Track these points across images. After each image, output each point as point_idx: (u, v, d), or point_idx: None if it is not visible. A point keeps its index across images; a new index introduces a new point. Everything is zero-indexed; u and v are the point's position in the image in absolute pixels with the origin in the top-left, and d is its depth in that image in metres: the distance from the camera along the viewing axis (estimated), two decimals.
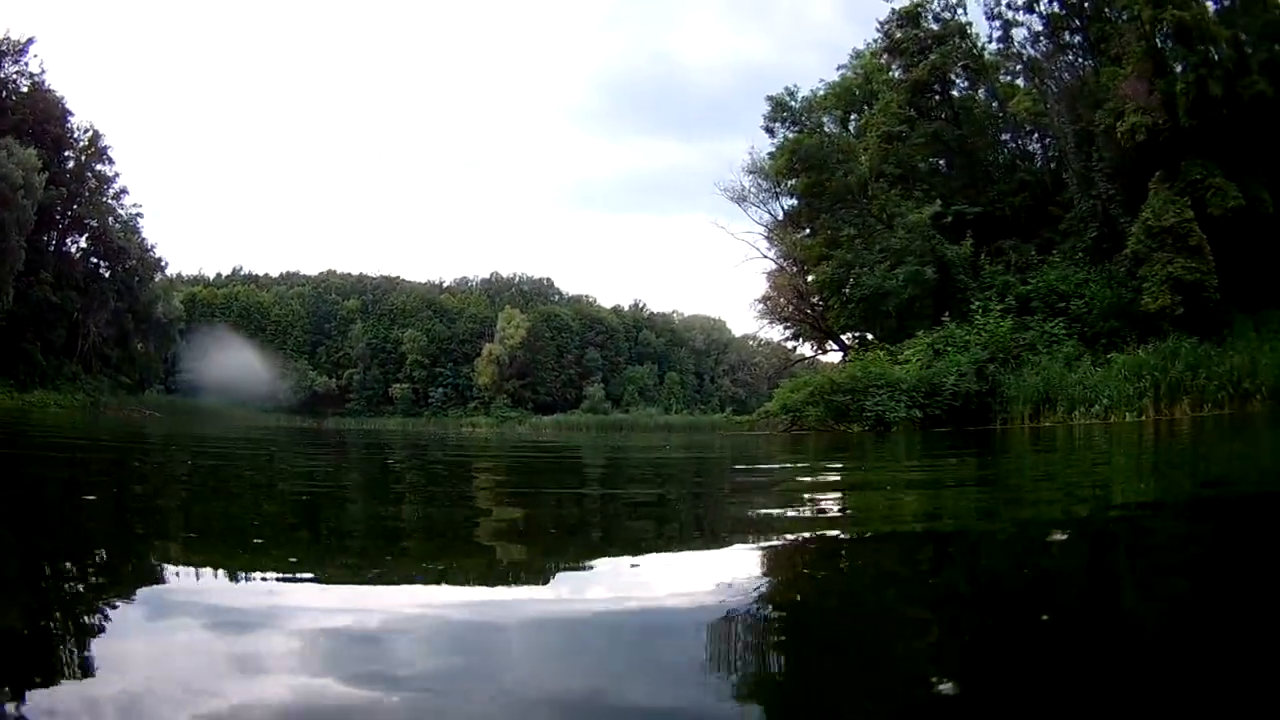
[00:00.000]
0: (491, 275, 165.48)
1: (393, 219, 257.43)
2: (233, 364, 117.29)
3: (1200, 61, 41.89)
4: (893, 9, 56.21)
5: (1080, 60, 53.00)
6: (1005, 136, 59.73)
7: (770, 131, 57.99)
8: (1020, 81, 56.81)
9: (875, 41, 60.02)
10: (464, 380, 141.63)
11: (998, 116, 58.05)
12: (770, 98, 57.47)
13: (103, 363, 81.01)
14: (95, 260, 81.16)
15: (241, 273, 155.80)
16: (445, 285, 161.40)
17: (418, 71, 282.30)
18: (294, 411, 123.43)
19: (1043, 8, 52.65)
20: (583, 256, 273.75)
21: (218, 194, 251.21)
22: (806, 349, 64.34)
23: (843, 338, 56.78)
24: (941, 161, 58.73)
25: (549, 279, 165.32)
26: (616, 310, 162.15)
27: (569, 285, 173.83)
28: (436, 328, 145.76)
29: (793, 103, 57.47)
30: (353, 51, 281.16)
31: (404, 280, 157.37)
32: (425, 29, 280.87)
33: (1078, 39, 53.16)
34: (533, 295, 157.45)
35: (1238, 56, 43.99)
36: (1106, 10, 50.76)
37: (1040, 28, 53.19)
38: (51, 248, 76.83)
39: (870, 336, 52.58)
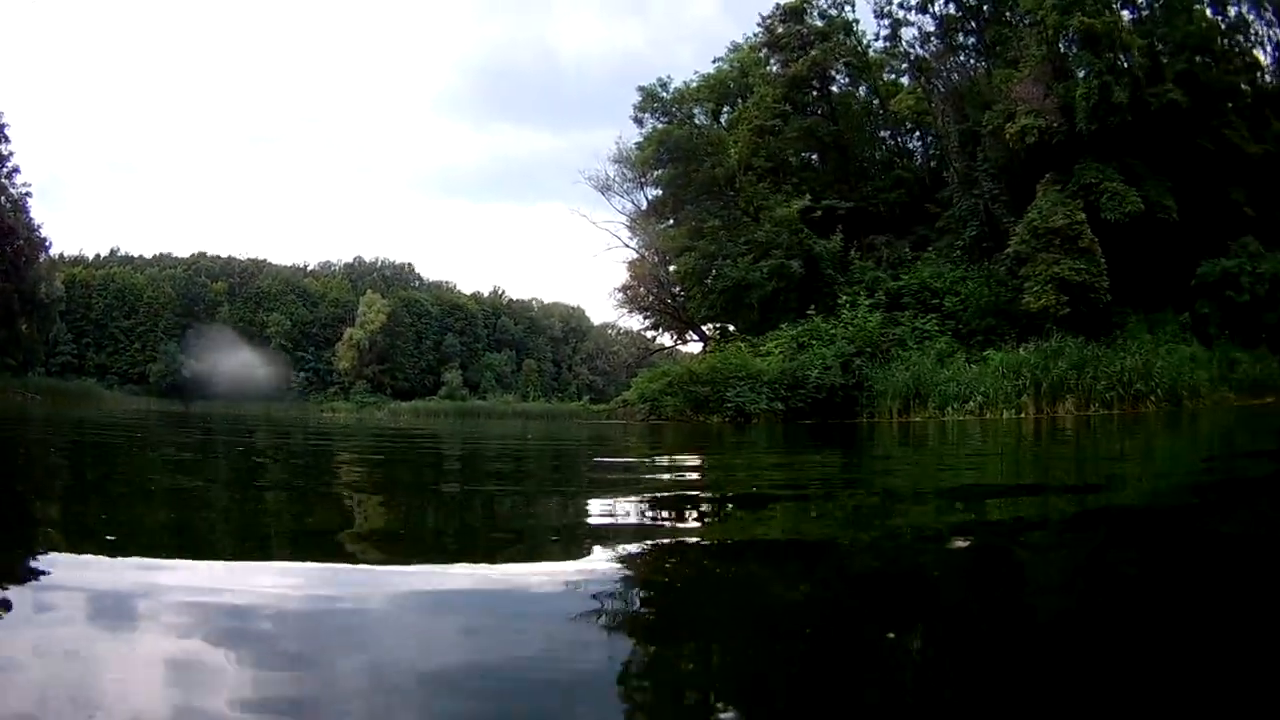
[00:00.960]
0: (354, 259, 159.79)
1: (261, 200, 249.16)
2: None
3: (1107, 68, 41.17)
4: (777, 4, 55.20)
5: (972, 62, 52.70)
6: (884, 134, 59.56)
7: (639, 122, 56.66)
8: (905, 80, 56.39)
9: (755, 35, 58.94)
10: (325, 365, 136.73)
11: (878, 114, 57.72)
12: (642, 88, 56.25)
13: None
14: None
15: (119, 254, 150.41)
16: (309, 269, 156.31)
17: (287, 53, 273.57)
18: (163, 395, 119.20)
19: (937, 8, 51.92)
20: (445, 242, 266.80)
21: (96, 173, 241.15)
22: (666, 339, 63.03)
23: (703, 328, 55.72)
24: (814, 156, 57.94)
25: (410, 264, 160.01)
26: (476, 297, 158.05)
27: (430, 271, 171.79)
28: (299, 311, 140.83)
29: (664, 94, 56.23)
30: (223, 31, 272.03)
31: (270, 263, 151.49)
32: (294, 10, 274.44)
33: (971, 40, 52.80)
34: (394, 280, 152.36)
35: (1151, 65, 43.61)
36: (1008, 14, 50.47)
37: (932, 28, 52.48)
38: None
39: (731, 328, 51.62)
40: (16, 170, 77.99)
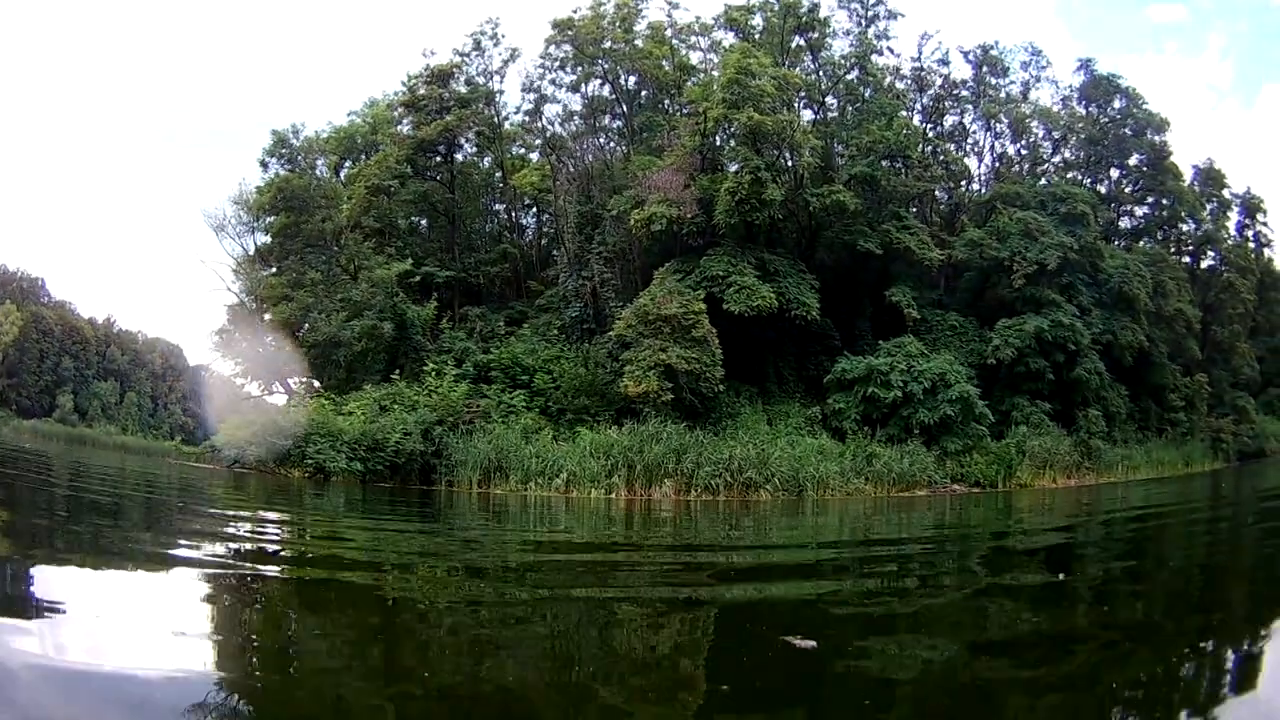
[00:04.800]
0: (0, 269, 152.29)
1: None
2: None
3: (767, 165, 40.23)
4: (427, 65, 53.13)
5: (611, 145, 52.24)
6: (499, 207, 59.38)
7: (265, 166, 53.48)
8: (535, 156, 55.26)
9: (397, 94, 57.41)
10: None
11: (497, 186, 56.97)
12: (275, 132, 53.13)
13: None
14: None
15: None
16: None
17: None
18: None
19: (590, 89, 51.47)
20: (73, 260, 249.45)
21: None
22: (254, 388, 59.14)
23: (289, 381, 52.69)
24: (424, 221, 57.19)
25: (43, 279, 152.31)
26: (91, 321, 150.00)
27: (57, 288, 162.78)
28: None
29: (294, 140, 53.38)
30: None
31: None
32: None
33: (617, 124, 52.52)
34: (28, 293, 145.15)
35: (822, 166, 43.84)
36: (666, 103, 50.44)
37: (579, 107, 52.09)
38: None
39: (317, 384, 49.19)
40: None
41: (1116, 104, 56.24)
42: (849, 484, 35.83)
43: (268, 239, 53.68)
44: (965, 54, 54.72)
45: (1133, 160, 56.86)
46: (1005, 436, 40.92)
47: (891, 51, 50.97)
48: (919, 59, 52.73)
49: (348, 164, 58.23)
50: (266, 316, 51.24)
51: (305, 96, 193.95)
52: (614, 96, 51.75)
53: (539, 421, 40.69)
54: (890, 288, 43.42)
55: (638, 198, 42.72)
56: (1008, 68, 55.82)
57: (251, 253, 54.58)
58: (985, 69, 54.78)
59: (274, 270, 52.16)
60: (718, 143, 44.36)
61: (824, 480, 35.28)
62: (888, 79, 50.71)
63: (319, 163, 55.30)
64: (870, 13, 49.31)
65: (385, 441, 37.90)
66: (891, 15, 49.57)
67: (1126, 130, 55.60)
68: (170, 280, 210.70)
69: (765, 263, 41.50)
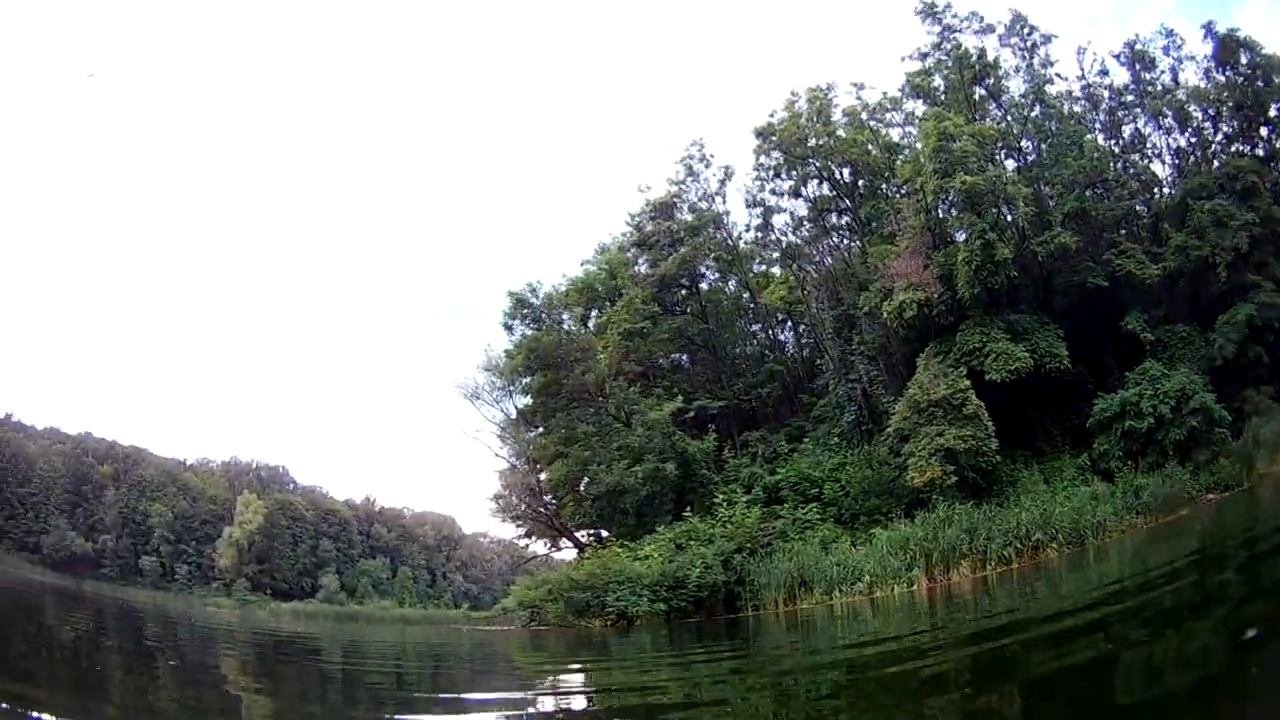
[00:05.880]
0: (231, 459, 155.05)
1: (143, 388, 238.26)
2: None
3: (991, 225, 40.14)
4: (647, 200, 53.85)
5: (845, 242, 51.62)
6: (755, 328, 58.76)
7: (509, 328, 54.46)
8: (775, 270, 55.10)
9: (624, 235, 57.81)
10: (207, 560, 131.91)
11: (748, 308, 56.91)
12: (512, 293, 54.10)
13: None
14: None
15: (12, 420, 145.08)
16: (189, 464, 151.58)
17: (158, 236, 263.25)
18: (55, 568, 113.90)
19: (810, 191, 50.91)
20: (317, 446, 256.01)
21: None
22: (539, 546, 59.94)
23: (578, 535, 53.15)
24: (684, 357, 57.21)
25: (284, 467, 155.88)
26: (349, 503, 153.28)
27: (303, 475, 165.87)
28: (180, 505, 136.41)
29: (534, 299, 54.16)
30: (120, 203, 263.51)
31: (150, 453, 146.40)
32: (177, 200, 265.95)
33: (844, 220, 51.81)
34: (269, 482, 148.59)
35: (1037, 212, 43.03)
36: (883, 187, 49.68)
37: (805, 212, 51.60)
38: None
39: (605, 533, 49.15)
40: None
41: (1243, 59, 54.19)
42: (1123, 522, 34.90)
43: (528, 400, 54.19)
44: (1117, 56, 52.90)
45: (1272, 112, 54.53)
46: (1242, 433, 38.98)
47: (1060, 77, 50.17)
48: (1083, 75, 51.64)
49: (594, 313, 58.56)
50: (541, 476, 51.75)
51: (530, 257, 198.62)
52: (834, 193, 51.34)
53: (835, 530, 40.81)
54: (1123, 316, 42.35)
55: (884, 289, 43.06)
56: (1154, 59, 54.34)
57: (513, 416, 54.99)
58: (1139, 66, 53.38)
59: (540, 430, 53.06)
60: (940, 215, 44.12)
61: (1101, 525, 34.45)
62: (1065, 105, 49.90)
63: (564, 317, 56.09)
64: (1029, 42, 48.72)
65: (686, 578, 38.14)
66: (1047, 39, 48.95)
67: (1259, 83, 53.56)
68: (429, 454, 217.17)
69: (1012, 324, 41.34)
